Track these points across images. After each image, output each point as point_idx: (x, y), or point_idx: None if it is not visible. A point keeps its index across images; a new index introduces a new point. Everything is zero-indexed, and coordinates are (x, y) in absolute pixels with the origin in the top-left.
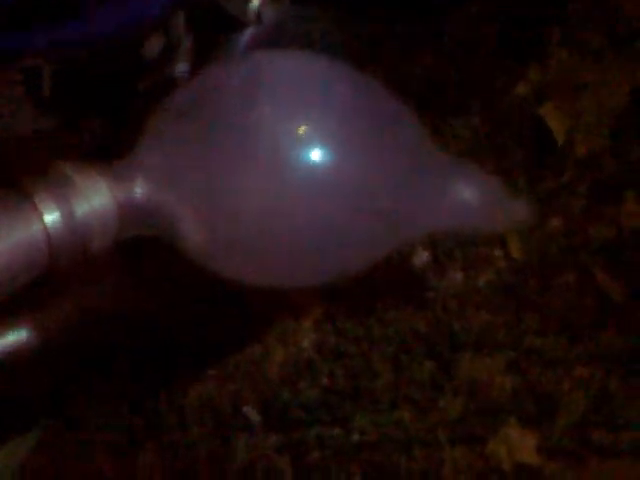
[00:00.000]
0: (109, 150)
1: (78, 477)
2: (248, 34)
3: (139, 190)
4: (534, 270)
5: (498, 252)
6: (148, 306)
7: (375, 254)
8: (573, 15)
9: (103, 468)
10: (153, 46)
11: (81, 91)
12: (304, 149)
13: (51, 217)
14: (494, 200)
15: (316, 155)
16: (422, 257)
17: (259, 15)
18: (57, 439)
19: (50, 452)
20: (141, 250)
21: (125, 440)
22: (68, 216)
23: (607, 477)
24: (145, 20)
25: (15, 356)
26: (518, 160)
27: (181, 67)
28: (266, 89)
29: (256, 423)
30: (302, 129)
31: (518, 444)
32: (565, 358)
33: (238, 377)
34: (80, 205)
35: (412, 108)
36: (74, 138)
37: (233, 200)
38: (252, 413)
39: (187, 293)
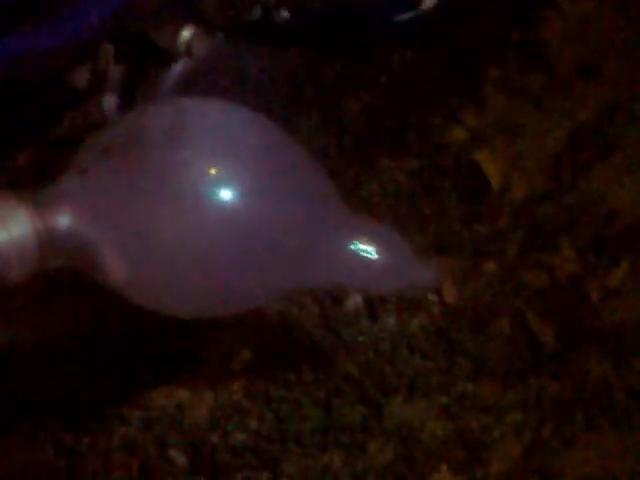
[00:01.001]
0: (32, 179)
1: None
2: (178, 68)
3: (60, 221)
4: (467, 315)
5: (432, 297)
6: (67, 343)
7: (281, 288)
8: (511, 58)
9: None
10: (81, 76)
11: (5, 119)
12: (215, 189)
13: None
14: (397, 261)
15: (226, 195)
16: (355, 300)
17: (189, 48)
18: None
19: None
20: (56, 283)
21: None
22: None
23: None
24: (78, 42)
25: None
26: (454, 204)
27: (108, 99)
28: (188, 133)
29: (183, 467)
30: (213, 170)
31: None
32: (498, 404)
33: (165, 420)
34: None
35: (347, 147)
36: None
37: (151, 236)
38: (178, 456)
39: (111, 331)
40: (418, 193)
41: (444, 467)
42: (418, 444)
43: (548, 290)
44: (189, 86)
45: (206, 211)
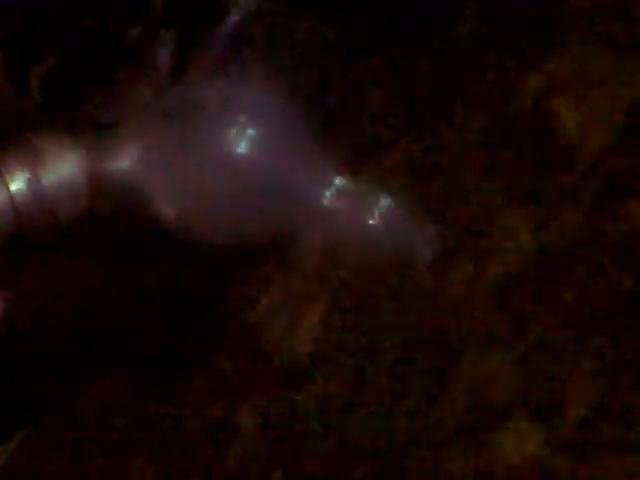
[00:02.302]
0: (87, 125)
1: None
2: (228, 25)
3: (114, 165)
4: (544, 263)
5: (509, 244)
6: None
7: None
8: (592, 5)
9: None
10: (133, 34)
11: (63, 72)
12: (246, 147)
13: (16, 185)
14: (396, 222)
15: (252, 152)
16: (432, 248)
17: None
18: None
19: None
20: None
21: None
22: (35, 184)
23: (616, 472)
24: None
25: None
26: (530, 152)
27: (161, 52)
28: (232, 105)
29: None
30: (247, 133)
31: (527, 436)
32: (575, 351)
33: (234, 386)
34: (47, 174)
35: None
36: (52, 112)
37: (199, 183)
38: (245, 422)
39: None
40: (494, 142)
41: (520, 414)
42: (495, 391)
43: (625, 239)
44: (238, 42)
45: (240, 163)
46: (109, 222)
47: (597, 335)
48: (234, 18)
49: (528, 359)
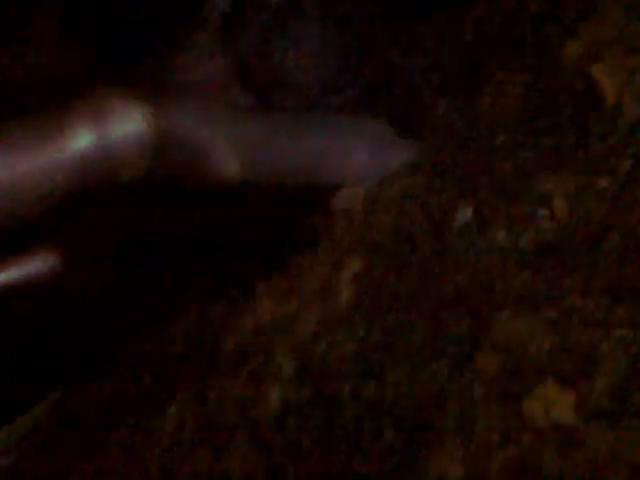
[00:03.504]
0: (149, 79)
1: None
2: None
3: (176, 122)
4: (579, 231)
5: (543, 211)
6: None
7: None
8: None
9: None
10: None
11: (127, 25)
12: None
13: (83, 139)
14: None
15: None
16: (465, 213)
17: None
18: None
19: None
20: None
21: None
22: (101, 139)
23: None
24: None
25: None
26: (567, 119)
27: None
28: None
29: (290, 374)
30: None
31: (555, 403)
32: (606, 319)
33: (273, 328)
34: (114, 130)
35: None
36: (116, 67)
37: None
38: (286, 364)
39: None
40: (531, 108)
41: (550, 380)
42: (525, 357)
43: None
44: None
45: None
46: (171, 178)
47: (630, 303)
48: None
49: (559, 326)
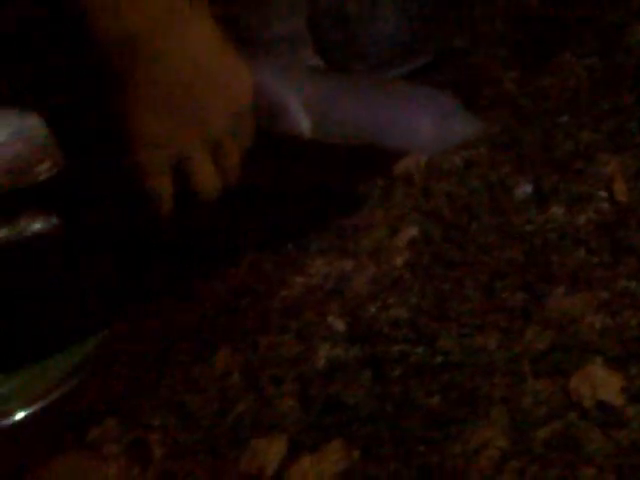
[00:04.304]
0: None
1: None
2: None
3: (258, 78)
4: (636, 213)
5: (602, 193)
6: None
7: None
8: None
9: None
10: None
11: None
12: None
13: None
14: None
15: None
16: (525, 189)
17: None
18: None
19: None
20: None
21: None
22: None
23: None
24: None
25: None
26: (631, 102)
27: None
28: None
29: (340, 334)
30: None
31: (602, 383)
32: None
33: (326, 288)
34: None
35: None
36: None
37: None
38: (337, 323)
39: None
40: (596, 89)
41: (599, 360)
42: (575, 335)
43: None
44: None
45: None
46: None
47: None
48: None
49: (611, 307)
